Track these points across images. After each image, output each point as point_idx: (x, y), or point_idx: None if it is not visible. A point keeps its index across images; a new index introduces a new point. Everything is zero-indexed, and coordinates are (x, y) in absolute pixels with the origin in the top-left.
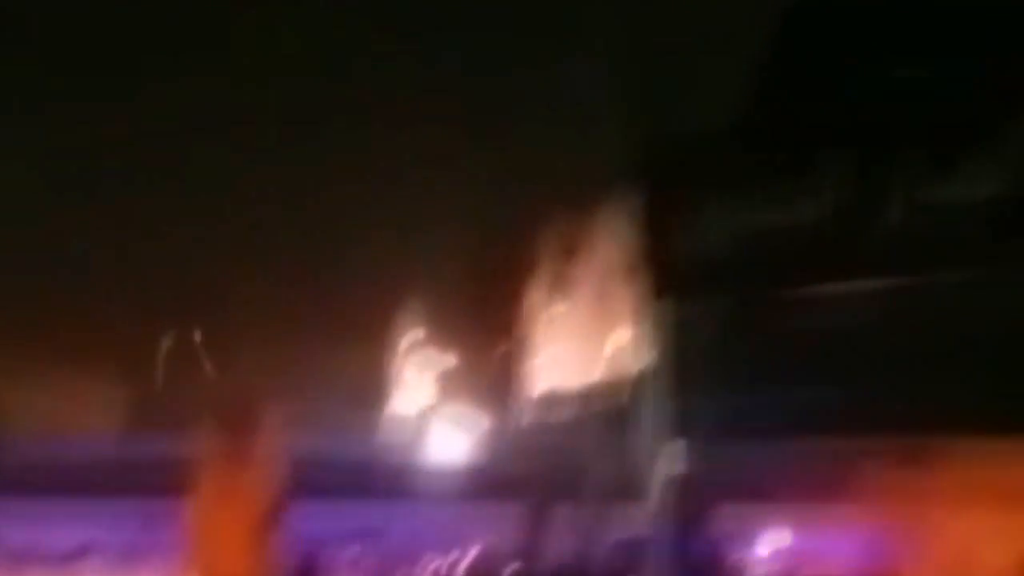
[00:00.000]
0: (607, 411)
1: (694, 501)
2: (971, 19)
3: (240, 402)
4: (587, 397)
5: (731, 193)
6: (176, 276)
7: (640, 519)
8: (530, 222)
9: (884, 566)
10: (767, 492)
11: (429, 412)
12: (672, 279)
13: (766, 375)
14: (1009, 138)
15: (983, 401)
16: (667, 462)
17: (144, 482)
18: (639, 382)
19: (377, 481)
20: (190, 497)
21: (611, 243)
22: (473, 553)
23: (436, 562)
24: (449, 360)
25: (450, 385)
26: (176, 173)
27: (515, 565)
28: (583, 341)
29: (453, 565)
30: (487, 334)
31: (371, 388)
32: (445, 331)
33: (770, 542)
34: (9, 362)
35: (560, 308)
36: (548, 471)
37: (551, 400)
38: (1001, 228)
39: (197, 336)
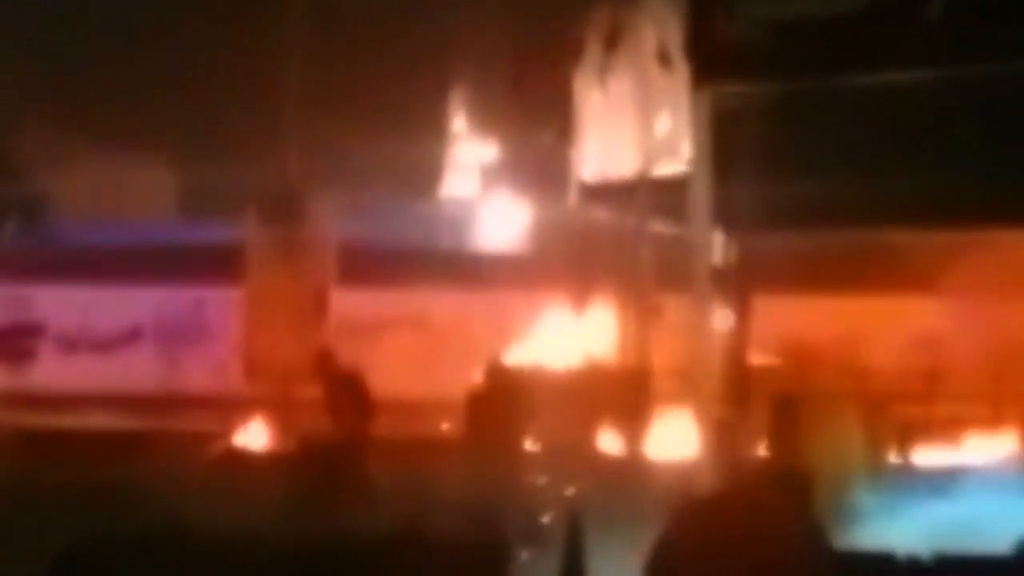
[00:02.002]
0: (652, 201)
1: (737, 291)
2: None
3: (287, 191)
4: (631, 187)
5: None
6: (226, 64)
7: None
8: (571, 9)
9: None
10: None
11: (475, 201)
12: (712, 68)
13: (807, 167)
14: None
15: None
16: (710, 253)
17: (193, 269)
18: (682, 171)
19: (424, 268)
20: (239, 284)
21: (652, 31)
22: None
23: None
24: (493, 149)
25: (495, 174)
26: None
27: None
28: (625, 130)
29: None
30: (530, 123)
31: (417, 177)
32: (489, 120)
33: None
34: (59, 146)
35: (601, 97)
36: (592, 257)
37: (595, 188)
38: None
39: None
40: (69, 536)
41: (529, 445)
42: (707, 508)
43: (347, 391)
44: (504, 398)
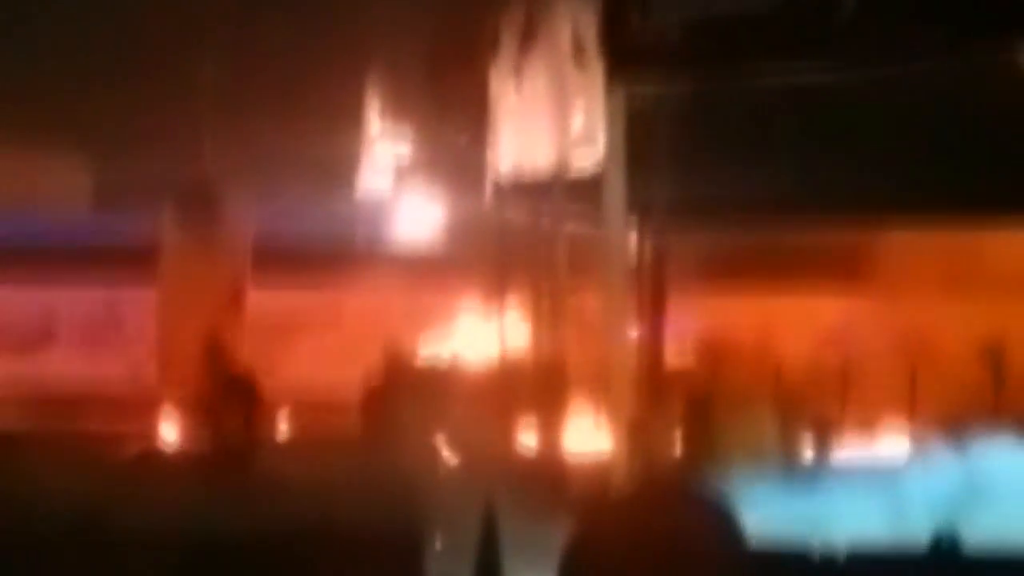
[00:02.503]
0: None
1: (652, 289)
2: None
3: (204, 188)
4: (546, 184)
5: None
6: (144, 57)
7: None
8: (487, 5)
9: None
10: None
11: (391, 199)
12: (627, 65)
13: (722, 164)
14: None
15: (933, 183)
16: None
17: (107, 267)
18: (596, 169)
19: (340, 267)
20: (154, 282)
21: (568, 27)
22: None
23: None
24: (409, 147)
25: (411, 172)
26: None
27: None
28: (539, 128)
29: None
30: (446, 121)
31: (333, 174)
32: (405, 118)
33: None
34: None
35: (516, 95)
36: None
37: (511, 187)
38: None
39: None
40: None
41: (441, 441)
42: (619, 508)
43: (235, 389)
44: (402, 391)
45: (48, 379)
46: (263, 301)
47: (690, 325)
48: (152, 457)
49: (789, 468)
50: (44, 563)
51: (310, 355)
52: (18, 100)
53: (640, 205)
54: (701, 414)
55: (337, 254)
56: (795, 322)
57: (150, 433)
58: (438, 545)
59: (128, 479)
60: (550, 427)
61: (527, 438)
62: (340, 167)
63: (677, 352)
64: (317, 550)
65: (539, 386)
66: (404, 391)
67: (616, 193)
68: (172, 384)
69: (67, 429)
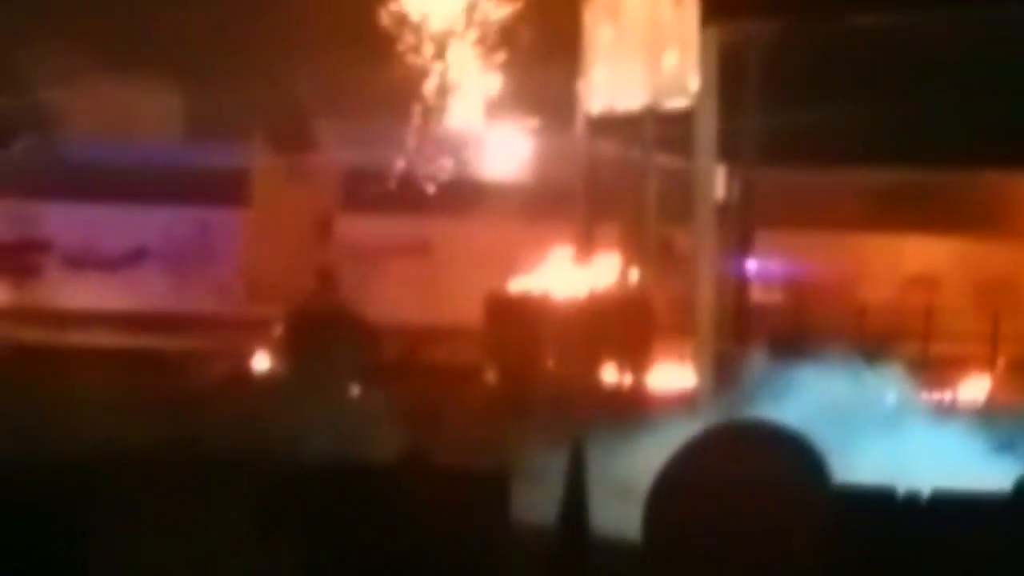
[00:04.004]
0: (656, 134)
1: (740, 225)
2: None
3: (295, 117)
4: (637, 119)
5: None
6: None
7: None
8: None
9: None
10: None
11: (480, 129)
12: (721, 4)
13: (812, 103)
14: None
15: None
16: (714, 187)
17: (199, 191)
18: (688, 105)
19: (429, 196)
20: (244, 207)
21: None
22: None
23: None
24: (499, 78)
25: (501, 103)
26: None
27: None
28: (633, 62)
29: None
30: (538, 53)
31: (424, 104)
32: (495, 49)
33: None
34: (67, 66)
35: (610, 28)
36: (597, 189)
37: (602, 121)
38: None
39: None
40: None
41: (537, 375)
42: (706, 446)
43: (340, 317)
44: (511, 328)
45: (140, 297)
46: (353, 228)
47: (778, 262)
48: (243, 377)
49: (872, 408)
50: (131, 478)
51: (399, 283)
52: (115, 35)
53: (730, 142)
54: (785, 351)
55: (426, 183)
56: (883, 263)
57: (238, 353)
58: (526, 479)
59: (216, 399)
60: (641, 360)
61: (615, 373)
62: (432, 97)
63: (764, 289)
64: (406, 482)
65: (631, 320)
66: (515, 326)
67: (707, 129)
68: (261, 306)
69: (159, 346)
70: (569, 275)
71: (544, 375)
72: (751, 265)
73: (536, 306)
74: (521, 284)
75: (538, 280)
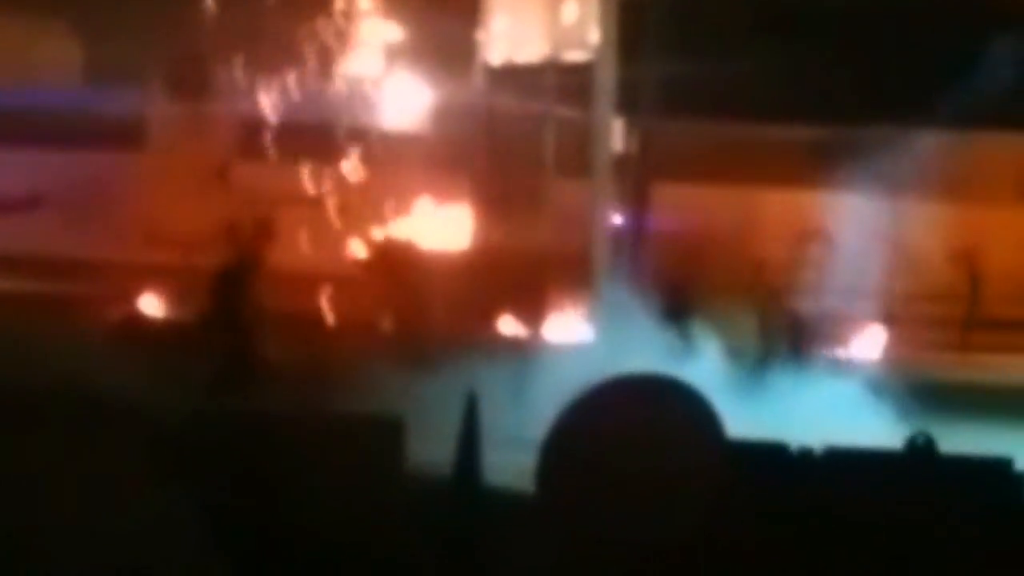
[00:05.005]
0: (556, 86)
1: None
2: None
3: (194, 65)
4: (536, 71)
5: None
6: None
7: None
8: None
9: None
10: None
11: (380, 80)
12: None
13: (710, 56)
14: None
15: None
16: (613, 139)
17: (97, 136)
18: (588, 58)
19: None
20: (140, 153)
21: None
22: None
23: None
24: (400, 28)
25: (401, 53)
26: None
27: None
28: (533, 15)
29: None
30: (439, 3)
31: (323, 53)
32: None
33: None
34: None
35: None
36: (496, 143)
37: (502, 72)
38: None
39: None
40: None
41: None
42: (599, 397)
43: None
44: (399, 276)
45: (36, 241)
46: (249, 175)
47: (672, 216)
48: (137, 322)
49: (765, 362)
50: (26, 423)
51: (292, 230)
52: None
53: (629, 94)
54: (678, 304)
55: (324, 132)
56: (777, 217)
57: (131, 299)
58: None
59: (111, 344)
60: (534, 311)
61: (509, 324)
62: (331, 46)
63: (659, 242)
64: (301, 431)
65: (520, 273)
66: (384, 274)
67: (606, 80)
68: (157, 252)
69: (54, 291)
70: (459, 226)
71: (436, 325)
72: (647, 217)
73: (424, 256)
74: (410, 234)
75: (427, 230)
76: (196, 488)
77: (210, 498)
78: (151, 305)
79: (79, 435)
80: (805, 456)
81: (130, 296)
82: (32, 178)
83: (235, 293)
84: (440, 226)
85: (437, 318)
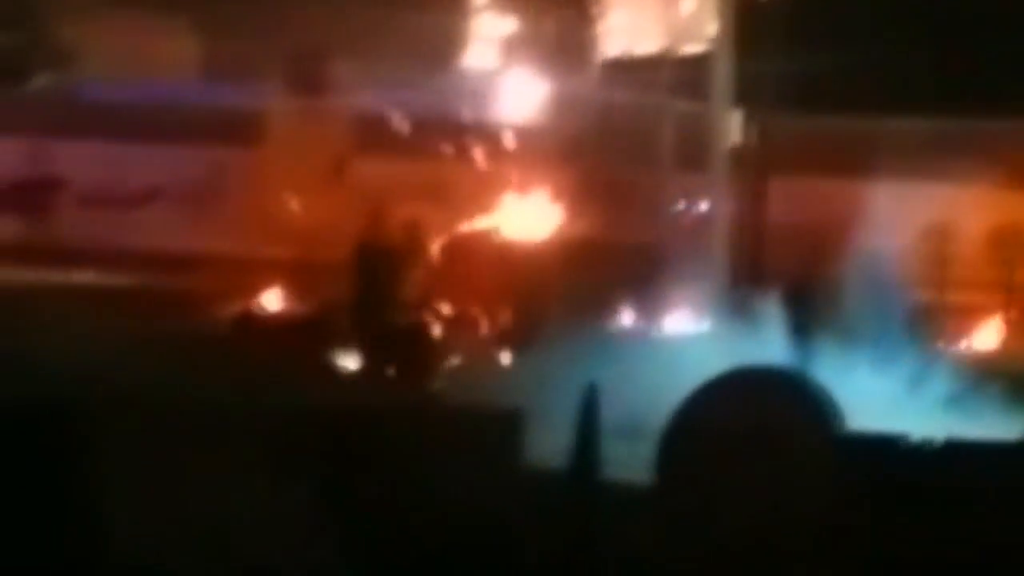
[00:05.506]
0: (672, 79)
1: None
2: None
3: (311, 60)
4: (653, 64)
5: None
6: None
7: (702, 190)
8: None
9: None
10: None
11: (495, 74)
12: None
13: (830, 51)
14: None
15: None
16: (730, 132)
17: (215, 130)
18: (705, 50)
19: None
20: (258, 148)
21: None
22: None
23: None
24: (514, 22)
25: (516, 48)
26: None
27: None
28: (651, 8)
29: None
30: None
31: (438, 49)
32: None
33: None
34: (84, 4)
35: None
36: (612, 136)
37: (618, 65)
38: None
39: None
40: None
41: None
42: (717, 390)
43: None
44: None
45: (153, 235)
46: (368, 171)
47: (791, 208)
48: (256, 318)
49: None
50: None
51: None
52: None
53: (747, 88)
54: (798, 297)
55: (440, 126)
56: (896, 210)
57: (249, 293)
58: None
59: (231, 338)
60: (652, 303)
61: (629, 313)
62: (446, 40)
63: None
64: (418, 425)
65: (637, 265)
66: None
67: (723, 74)
68: (275, 247)
69: (172, 286)
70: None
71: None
72: (765, 210)
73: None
74: (526, 226)
75: (543, 222)
76: (319, 483)
77: (332, 494)
78: (271, 300)
79: (195, 434)
80: (924, 447)
81: (250, 291)
82: (150, 173)
83: (388, 278)
84: (556, 218)
85: (554, 309)
